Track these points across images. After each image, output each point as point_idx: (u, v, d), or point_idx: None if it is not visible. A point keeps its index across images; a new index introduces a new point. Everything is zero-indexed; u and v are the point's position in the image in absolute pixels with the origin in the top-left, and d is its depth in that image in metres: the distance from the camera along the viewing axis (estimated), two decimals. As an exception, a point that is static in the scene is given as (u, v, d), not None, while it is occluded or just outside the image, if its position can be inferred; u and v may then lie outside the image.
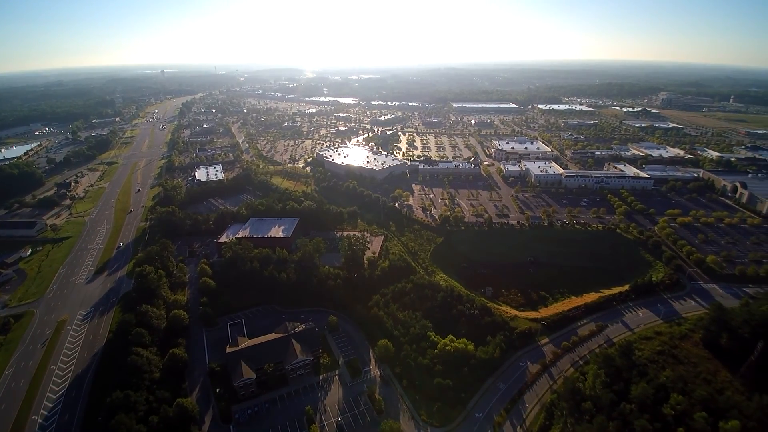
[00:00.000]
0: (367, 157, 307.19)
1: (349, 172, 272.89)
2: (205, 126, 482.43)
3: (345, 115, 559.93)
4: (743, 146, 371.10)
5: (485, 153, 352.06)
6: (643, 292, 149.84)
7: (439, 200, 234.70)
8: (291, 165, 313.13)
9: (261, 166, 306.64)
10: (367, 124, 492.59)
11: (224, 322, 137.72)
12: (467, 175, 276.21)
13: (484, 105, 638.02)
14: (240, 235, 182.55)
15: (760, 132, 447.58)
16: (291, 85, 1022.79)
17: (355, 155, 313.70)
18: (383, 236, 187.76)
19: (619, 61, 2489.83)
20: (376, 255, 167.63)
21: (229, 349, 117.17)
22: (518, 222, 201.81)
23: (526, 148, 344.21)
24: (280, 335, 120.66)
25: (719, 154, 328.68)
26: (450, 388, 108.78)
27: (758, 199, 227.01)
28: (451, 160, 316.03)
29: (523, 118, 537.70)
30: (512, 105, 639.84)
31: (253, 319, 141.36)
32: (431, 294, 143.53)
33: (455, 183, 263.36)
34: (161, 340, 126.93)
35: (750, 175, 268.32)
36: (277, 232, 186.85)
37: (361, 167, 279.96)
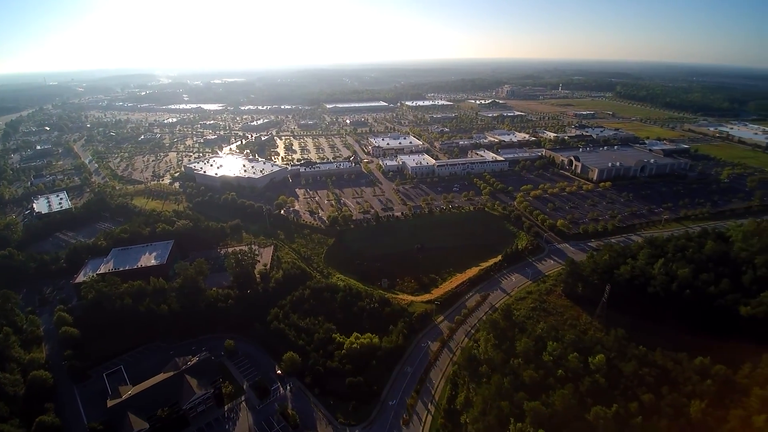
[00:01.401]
0: (244, 165, 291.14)
1: (226, 183, 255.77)
2: (38, 148, 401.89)
3: (212, 122, 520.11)
4: (573, 126, 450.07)
5: (363, 151, 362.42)
6: (513, 260, 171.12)
7: (326, 202, 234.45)
8: (155, 182, 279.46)
9: (117, 188, 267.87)
10: (238, 130, 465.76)
11: (99, 374, 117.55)
12: (349, 174, 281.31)
13: (356, 104, 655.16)
14: (102, 270, 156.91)
15: (584, 113, 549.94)
16: (143, 93, 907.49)
17: (230, 165, 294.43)
18: (273, 246, 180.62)
19: (470, 59, 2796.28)
20: (268, 267, 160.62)
21: (110, 403, 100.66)
22: (402, 213, 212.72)
23: (400, 143, 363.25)
24: (171, 374, 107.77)
25: (556, 134, 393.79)
26: (362, 384, 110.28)
27: (589, 168, 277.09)
28: (332, 160, 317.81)
29: (394, 115, 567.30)
30: (383, 103, 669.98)
31: (135, 363, 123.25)
32: (330, 296, 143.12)
33: (339, 183, 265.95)
34: (22, 409, 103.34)
35: (580, 150, 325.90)
36: (149, 259, 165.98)
37: (238, 177, 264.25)
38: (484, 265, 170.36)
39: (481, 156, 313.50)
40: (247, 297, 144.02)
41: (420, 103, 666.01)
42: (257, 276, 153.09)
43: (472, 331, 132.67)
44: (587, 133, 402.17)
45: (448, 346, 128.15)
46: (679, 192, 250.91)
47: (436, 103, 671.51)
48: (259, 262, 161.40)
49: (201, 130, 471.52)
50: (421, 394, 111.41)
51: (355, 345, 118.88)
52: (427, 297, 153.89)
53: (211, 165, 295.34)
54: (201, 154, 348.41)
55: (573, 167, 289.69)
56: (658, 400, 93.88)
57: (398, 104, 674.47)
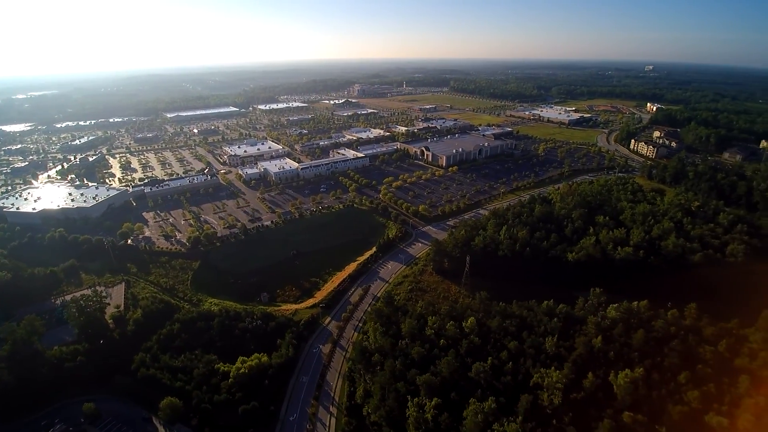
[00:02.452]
0: (70, 194, 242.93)
1: (49, 218, 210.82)
2: None
3: (20, 146, 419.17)
4: (420, 119, 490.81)
5: (219, 161, 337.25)
6: (386, 249, 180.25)
7: (183, 222, 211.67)
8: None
9: None
10: (56, 153, 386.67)
11: None
12: (206, 187, 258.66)
13: (203, 112, 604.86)
14: None
15: (427, 107, 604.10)
16: None
17: (51, 195, 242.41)
18: (123, 283, 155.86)
19: (319, 60, 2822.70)
20: (122, 308, 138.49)
21: None
22: (272, 221, 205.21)
23: (258, 149, 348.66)
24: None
25: (406, 128, 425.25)
26: (257, 409, 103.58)
27: (438, 156, 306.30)
28: (184, 175, 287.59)
29: (247, 120, 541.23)
30: (233, 109, 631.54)
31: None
32: (206, 325, 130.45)
33: (195, 199, 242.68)
34: None
35: (429, 141, 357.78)
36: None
37: (65, 209, 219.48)
38: (361, 259, 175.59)
39: (343, 154, 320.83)
40: (101, 348, 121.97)
41: (274, 106, 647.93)
42: (109, 321, 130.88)
43: (360, 325, 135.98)
44: (432, 125, 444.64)
45: (340, 345, 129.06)
46: (509, 168, 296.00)
47: (290, 105, 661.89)
48: (109, 305, 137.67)
49: (5, 158, 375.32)
50: (321, 399, 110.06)
51: (242, 370, 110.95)
52: (311, 301, 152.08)
53: (26, 199, 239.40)
54: (10, 188, 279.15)
55: (425, 157, 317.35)
56: (521, 345, 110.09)
57: (250, 108, 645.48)
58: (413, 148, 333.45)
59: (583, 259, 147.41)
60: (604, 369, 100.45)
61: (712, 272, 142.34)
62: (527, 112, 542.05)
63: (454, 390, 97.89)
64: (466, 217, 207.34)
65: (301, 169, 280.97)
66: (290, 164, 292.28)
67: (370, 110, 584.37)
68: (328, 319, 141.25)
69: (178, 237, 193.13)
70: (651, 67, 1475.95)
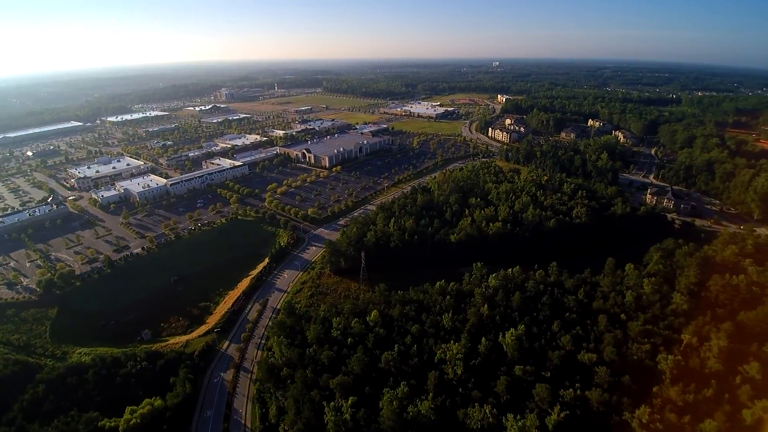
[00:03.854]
0: None
1: None
2: None
3: None
4: (297, 121, 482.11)
5: (65, 186, 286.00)
6: (280, 258, 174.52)
7: (28, 264, 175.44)
8: None
9: None
10: None
11: None
12: (53, 219, 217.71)
13: (37, 130, 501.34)
14: None
15: (303, 109, 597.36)
16: None
17: None
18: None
19: (177, 63, 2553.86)
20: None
21: None
22: (143, 248, 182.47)
23: (114, 167, 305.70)
24: None
25: (284, 132, 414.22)
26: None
27: (320, 157, 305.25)
28: (21, 209, 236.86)
29: (96, 135, 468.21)
30: (75, 123, 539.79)
31: None
32: (77, 380, 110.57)
33: (41, 235, 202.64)
34: None
35: (309, 142, 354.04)
36: None
37: None
38: (254, 272, 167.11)
39: (218, 164, 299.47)
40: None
41: (127, 117, 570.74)
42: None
43: (263, 342, 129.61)
44: (311, 127, 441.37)
45: (244, 368, 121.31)
46: (390, 163, 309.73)
47: (147, 114, 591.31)
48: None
49: None
50: (230, 431, 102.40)
51: (133, 421, 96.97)
52: (203, 328, 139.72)
53: None
54: None
55: (307, 159, 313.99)
56: (423, 327, 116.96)
57: (98, 122, 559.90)
58: (294, 152, 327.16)
59: (463, 239, 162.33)
60: (493, 333, 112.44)
61: (564, 233, 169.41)
62: (399, 109, 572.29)
63: (367, 384, 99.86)
64: (355, 214, 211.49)
65: (171, 185, 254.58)
66: (156, 181, 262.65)
67: (242, 115, 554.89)
68: (227, 343, 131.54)
69: (25, 283, 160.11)
70: (497, 63, 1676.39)
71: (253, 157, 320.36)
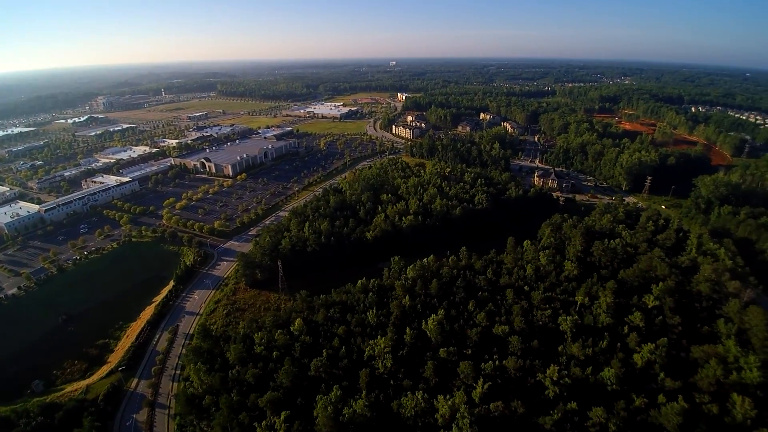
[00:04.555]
0: None
1: None
2: None
3: None
4: (191, 129, 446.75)
5: None
6: (186, 279, 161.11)
7: None
8: None
9: None
10: None
11: None
12: None
13: None
14: None
15: (197, 115, 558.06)
16: None
17: None
18: None
19: (35, 72, 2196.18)
20: None
21: None
22: (20, 287, 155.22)
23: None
24: None
25: (178, 141, 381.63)
26: None
27: (222, 166, 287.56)
28: None
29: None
30: None
31: None
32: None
33: None
34: None
35: (208, 151, 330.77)
36: None
37: None
38: (158, 298, 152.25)
39: (102, 182, 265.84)
40: None
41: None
42: None
43: (178, 372, 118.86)
44: (208, 134, 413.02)
45: (159, 405, 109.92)
46: (298, 166, 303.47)
47: (9, 132, 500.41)
48: None
49: None
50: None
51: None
52: (105, 368, 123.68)
53: None
54: None
55: (207, 169, 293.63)
56: (349, 327, 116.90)
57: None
58: (192, 162, 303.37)
59: (379, 235, 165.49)
60: (416, 321, 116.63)
61: (469, 219, 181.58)
62: (302, 111, 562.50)
63: (299, 395, 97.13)
64: (267, 222, 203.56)
65: (45, 210, 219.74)
66: (27, 208, 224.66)
67: (125, 125, 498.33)
68: (135, 380, 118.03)
69: None
70: (395, 62, 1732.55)
71: (143, 171, 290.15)
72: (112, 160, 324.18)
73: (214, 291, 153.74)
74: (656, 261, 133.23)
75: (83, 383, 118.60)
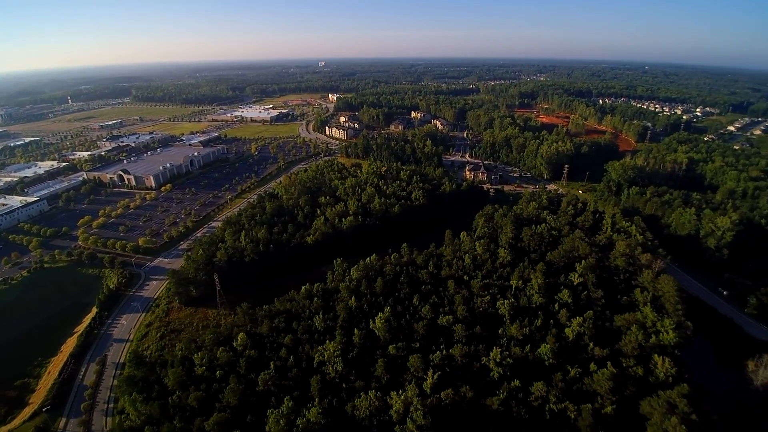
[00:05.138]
0: None
1: None
2: None
3: None
4: (105, 139, 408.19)
5: None
6: (111, 304, 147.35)
7: None
8: None
9: None
10: None
11: None
12: None
13: None
14: None
15: (111, 123, 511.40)
16: None
17: None
18: None
19: None
20: None
21: None
22: None
23: None
24: None
25: (90, 153, 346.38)
26: None
27: (143, 177, 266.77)
28: None
29: None
30: None
31: None
32: None
33: None
34: None
35: (126, 162, 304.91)
36: None
37: None
38: (81, 328, 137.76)
39: (4, 204, 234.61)
40: None
41: None
42: None
43: (112, 406, 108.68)
44: (124, 143, 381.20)
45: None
46: (229, 173, 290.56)
47: None
48: None
49: None
50: None
51: None
52: (27, 411, 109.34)
53: None
54: None
55: (127, 182, 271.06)
56: (296, 335, 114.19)
57: None
58: (108, 175, 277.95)
59: (320, 238, 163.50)
60: (364, 321, 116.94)
61: (407, 216, 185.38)
62: (229, 114, 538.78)
63: (248, 413, 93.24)
64: (198, 235, 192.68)
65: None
66: None
67: (28, 139, 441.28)
68: (63, 420, 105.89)
69: None
70: (324, 63, 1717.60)
71: (52, 189, 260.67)
72: (15, 179, 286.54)
73: (144, 314, 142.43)
74: (578, 241, 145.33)
75: (3, 429, 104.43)
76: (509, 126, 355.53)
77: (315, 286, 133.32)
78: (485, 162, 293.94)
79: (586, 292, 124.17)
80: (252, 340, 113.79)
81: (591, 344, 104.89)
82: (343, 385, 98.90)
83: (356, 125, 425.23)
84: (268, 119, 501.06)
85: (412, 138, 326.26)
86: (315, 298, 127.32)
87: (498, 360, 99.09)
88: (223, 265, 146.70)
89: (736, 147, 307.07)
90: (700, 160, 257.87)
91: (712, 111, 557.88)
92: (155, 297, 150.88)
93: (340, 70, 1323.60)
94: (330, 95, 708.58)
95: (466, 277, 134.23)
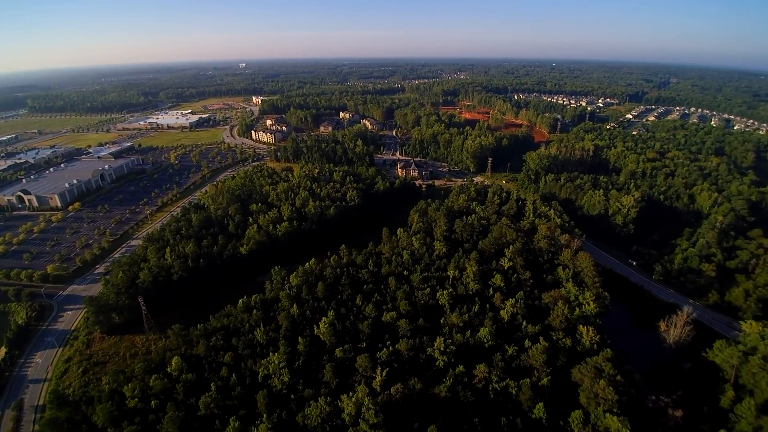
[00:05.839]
0: None
1: None
2: None
3: None
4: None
5: None
6: (21, 341, 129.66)
7: None
8: None
9: None
10: None
11: None
12: None
13: None
14: None
15: (5, 139, 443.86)
16: None
17: None
18: None
19: None
20: None
21: None
22: None
23: None
24: None
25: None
26: None
27: (46, 197, 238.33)
28: None
29: None
30: None
31: None
32: None
33: None
34: None
35: (25, 181, 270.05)
36: None
37: None
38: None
39: None
40: None
41: None
42: None
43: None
44: (22, 160, 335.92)
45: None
46: (147, 186, 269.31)
47: None
48: None
49: None
50: None
51: None
52: None
53: None
54: None
55: (27, 203, 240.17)
56: (236, 352, 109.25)
57: None
58: (5, 197, 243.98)
59: (254, 248, 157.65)
60: (308, 328, 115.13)
61: (344, 217, 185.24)
62: (143, 122, 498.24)
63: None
64: (116, 256, 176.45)
65: None
66: None
67: None
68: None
69: None
70: (244, 64, 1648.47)
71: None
72: None
73: (61, 348, 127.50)
74: (505, 229, 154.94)
75: None
76: (435, 123, 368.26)
77: (253, 297, 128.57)
78: (416, 159, 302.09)
79: (516, 275, 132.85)
80: (188, 363, 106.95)
81: (524, 323, 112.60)
82: (292, 396, 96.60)
83: (284, 128, 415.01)
84: (188, 125, 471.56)
85: (343, 138, 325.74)
86: (254, 311, 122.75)
87: (442, 349, 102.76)
88: (148, 286, 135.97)
89: (634, 133, 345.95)
90: (604, 147, 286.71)
91: (612, 101, 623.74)
92: (72, 329, 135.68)
93: (262, 72, 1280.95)
94: (254, 98, 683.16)
95: (405, 272, 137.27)
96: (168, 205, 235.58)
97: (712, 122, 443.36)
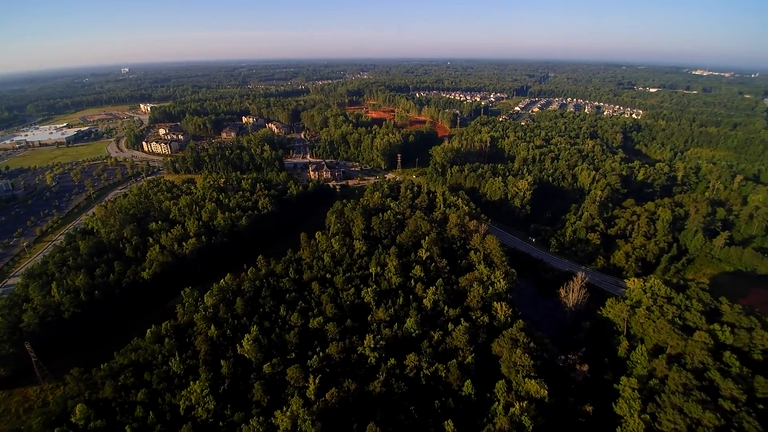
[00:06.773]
0: None
1: None
2: None
3: None
4: None
5: None
6: None
7: None
8: None
9: None
10: None
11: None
12: None
13: None
14: None
15: None
16: None
17: None
18: None
19: None
20: None
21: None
22: None
23: None
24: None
25: None
26: None
27: None
28: None
29: None
30: None
31: None
32: None
33: None
34: None
35: None
36: None
37: None
38: None
39: None
40: None
41: None
42: None
43: None
44: None
45: None
46: (20, 214, 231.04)
47: None
48: None
49: None
50: None
51: None
52: None
53: None
54: None
55: None
56: (151, 388, 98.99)
57: None
58: None
59: (159, 270, 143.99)
60: (231, 348, 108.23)
61: (257, 226, 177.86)
62: (8, 141, 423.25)
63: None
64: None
65: None
66: None
67: None
68: None
69: None
70: (127, 69, 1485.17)
71: None
72: None
73: None
74: (420, 221, 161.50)
75: None
76: (343, 123, 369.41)
77: (164, 325, 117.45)
78: (327, 160, 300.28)
79: (433, 264, 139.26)
80: (95, 409, 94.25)
81: (446, 307, 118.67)
82: (220, 423, 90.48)
83: (181, 137, 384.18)
84: (64, 141, 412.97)
85: (248, 144, 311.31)
86: (166, 339, 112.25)
87: (372, 345, 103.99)
88: (35, 329, 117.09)
89: (523, 123, 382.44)
90: (499, 138, 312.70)
91: (502, 96, 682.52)
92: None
93: (149, 77, 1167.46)
94: (142, 105, 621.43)
95: (328, 275, 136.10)
96: (48, 234, 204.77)
97: (586, 110, 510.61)
